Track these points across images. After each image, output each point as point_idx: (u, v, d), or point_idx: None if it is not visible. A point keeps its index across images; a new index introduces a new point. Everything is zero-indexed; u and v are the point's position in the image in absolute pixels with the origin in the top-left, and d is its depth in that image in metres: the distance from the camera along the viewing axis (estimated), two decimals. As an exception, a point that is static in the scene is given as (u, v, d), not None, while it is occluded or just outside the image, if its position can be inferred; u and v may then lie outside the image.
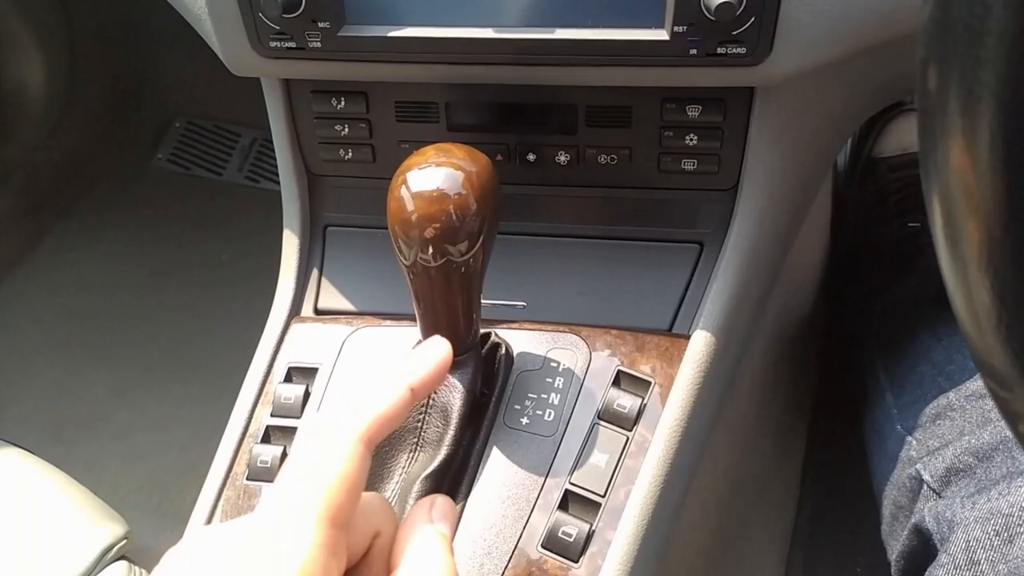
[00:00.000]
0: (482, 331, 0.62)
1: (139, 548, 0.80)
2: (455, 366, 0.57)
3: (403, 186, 0.52)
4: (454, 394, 0.57)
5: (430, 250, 0.52)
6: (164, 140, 1.76)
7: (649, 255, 0.70)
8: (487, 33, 0.60)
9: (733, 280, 0.67)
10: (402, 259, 0.53)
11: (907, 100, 1.17)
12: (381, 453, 0.56)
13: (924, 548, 0.71)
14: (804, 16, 0.57)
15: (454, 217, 0.51)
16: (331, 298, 0.73)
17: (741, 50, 0.58)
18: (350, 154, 0.72)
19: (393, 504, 0.54)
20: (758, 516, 1.02)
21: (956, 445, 0.70)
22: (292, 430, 0.64)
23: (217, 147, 1.74)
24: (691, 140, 0.67)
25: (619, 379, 0.62)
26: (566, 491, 0.58)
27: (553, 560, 0.56)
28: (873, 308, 1.00)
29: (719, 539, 0.82)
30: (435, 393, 0.57)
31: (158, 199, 1.70)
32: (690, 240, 0.70)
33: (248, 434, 0.66)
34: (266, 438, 0.65)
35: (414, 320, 0.58)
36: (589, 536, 0.57)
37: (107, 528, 0.78)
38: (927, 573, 0.67)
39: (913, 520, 0.71)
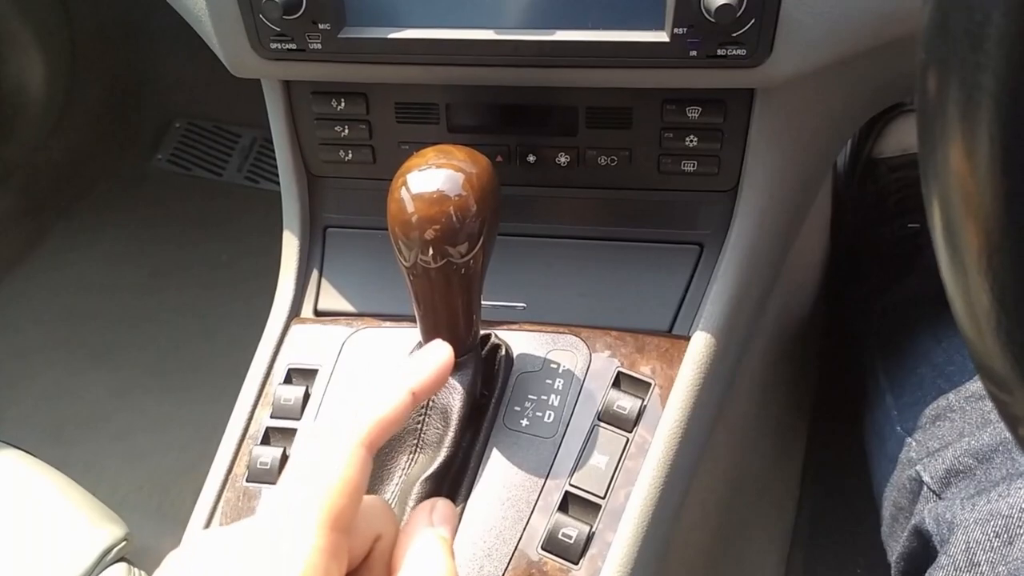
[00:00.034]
0: (482, 332, 0.62)
1: (139, 550, 0.80)
2: (455, 368, 0.57)
3: (403, 188, 0.52)
4: (454, 396, 0.57)
5: (430, 252, 0.52)
6: (164, 140, 1.76)
7: (649, 256, 0.70)
8: (487, 35, 0.60)
9: (733, 281, 0.67)
10: (402, 260, 0.53)
11: (907, 101, 1.17)
12: (381, 455, 0.56)
13: (924, 549, 0.71)
14: (804, 18, 0.57)
15: (454, 219, 0.51)
16: (331, 299, 0.73)
17: (741, 52, 0.58)
18: (350, 155, 0.72)
19: (393, 506, 0.54)
20: (758, 516, 1.02)
21: (956, 446, 0.70)
22: (292, 432, 0.64)
23: (217, 147, 1.74)
24: (691, 141, 0.67)
25: (619, 380, 0.62)
26: (566, 493, 0.58)
27: (553, 562, 0.56)
28: (873, 308, 1.00)
29: (719, 539, 0.82)
30: (435, 395, 0.57)
31: (158, 199, 1.70)
32: (690, 241, 0.70)
33: (248, 436, 0.66)
34: (266, 440, 0.65)
35: (414, 321, 0.58)
36: (589, 538, 0.57)
37: (106, 530, 0.78)
38: (927, 575, 0.67)
39: (913, 521, 0.72)
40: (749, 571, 0.99)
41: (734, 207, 0.69)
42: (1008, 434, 0.67)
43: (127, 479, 1.29)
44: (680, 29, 0.57)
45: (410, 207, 0.51)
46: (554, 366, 0.63)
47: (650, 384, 0.62)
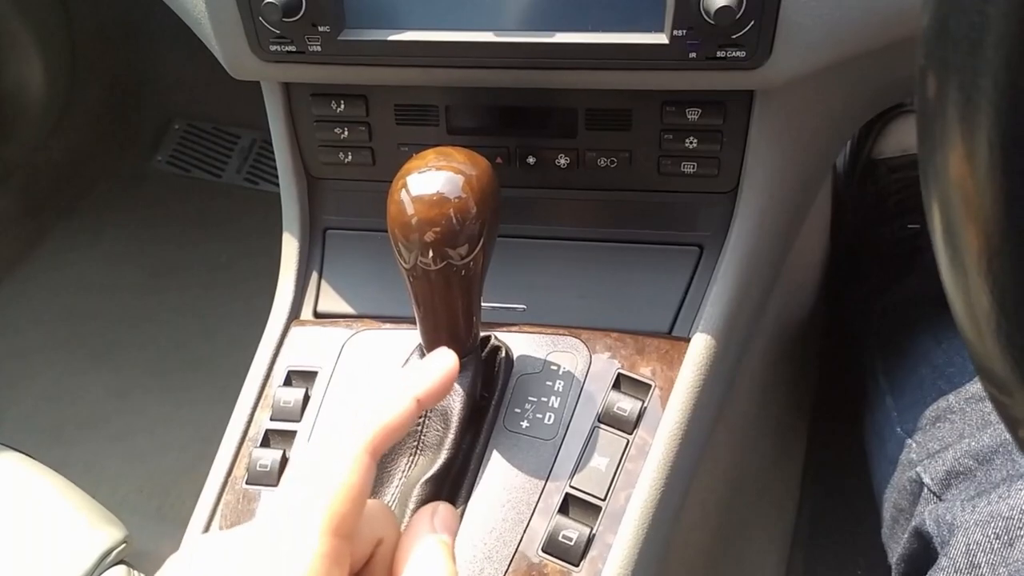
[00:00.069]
0: (482, 334, 0.62)
1: (138, 552, 0.79)
2: (455, 370, 0.57)
3: (403, 190, 0.52)
4: (454, 398, 0.57)
5: (430, 254, 0.51)
6: (164, 141, 1.76)
7: (649, 258, 0.70)
8: (487, 37, 0.60)
9: (733, 282, 0.67)
10: (402, 262, 0.53)
11: (907, 101, 1.17)
12: (381, 457, 0.56)
13: (924, 551, 0.71)
14: (803, 20, 0.57)
15: (454, 221, 0.51)
16: (331, 301, 0.73)
17: (740, 54, 0.58)
18: (350, 157, 0.72)
19: (392, 508, 0.54)
20: (758, 516, 1.02)
21: (956, 448, 0.70)
22: (292, 434, 0.64)
23: (216, 148, 1.74)
24: (691, 143, 0.67)
25: (619, 382, 0.62)
26: (566, 495, 0.58)
27: (554, 564, 0.56)
28: (873, 308, 1.00)
29: (719, 539, 0.82)
30: (436, 398, 0.57)
31: (158, 200, 1.70)
32: (690, 243, 0.70)
33: (247, 438, 0.66)
34: (265, 442, 0.65)
35: (414, 323, 0.58)
36: (590, 540, 0.57)
37: (106, 532, 0.78)
38: (927, 576, 0.67)
39: (913, 523, 0.72)
40: (749, 571, 0.99)
41: (734, 208, 0.69)
42: (1008, 436, 0.67)
43: (127, 479, 1.29)
44: (679, 31, 0.57)
45: (410, 209, 0.51)
46: (554, 368, 0.63)
47: (650, 386, 0.62)
